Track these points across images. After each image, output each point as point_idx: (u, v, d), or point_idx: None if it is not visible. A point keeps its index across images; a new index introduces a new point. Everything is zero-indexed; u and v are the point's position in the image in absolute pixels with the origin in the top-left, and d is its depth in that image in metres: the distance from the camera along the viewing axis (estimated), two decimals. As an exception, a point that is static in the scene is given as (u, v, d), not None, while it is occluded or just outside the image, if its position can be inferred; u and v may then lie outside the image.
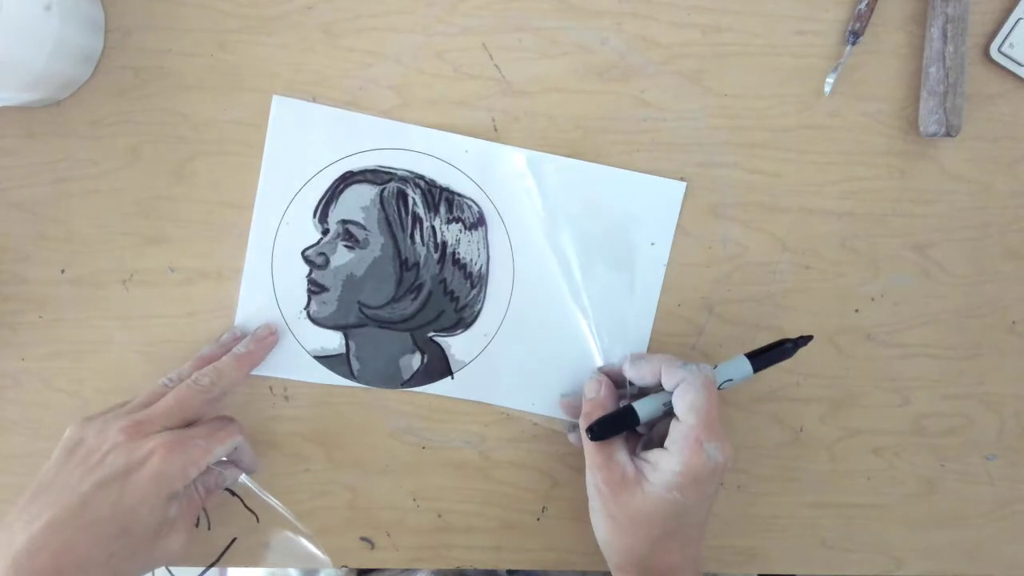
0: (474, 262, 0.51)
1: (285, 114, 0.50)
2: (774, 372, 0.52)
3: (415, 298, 0.51)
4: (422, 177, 0.50)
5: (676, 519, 0.44)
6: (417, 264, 0.51)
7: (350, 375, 0.52)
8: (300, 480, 0.53)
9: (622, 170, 0.50)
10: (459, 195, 0.50)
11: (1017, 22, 0.49)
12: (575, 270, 0.51)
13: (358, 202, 0.50)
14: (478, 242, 0.51)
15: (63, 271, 0.51)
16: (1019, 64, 0.50)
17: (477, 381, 0.52)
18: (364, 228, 0.50)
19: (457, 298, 0.51)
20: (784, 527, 0.54)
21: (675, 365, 0.45)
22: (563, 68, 0.50)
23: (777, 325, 0.52)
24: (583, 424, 0.47)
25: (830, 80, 0.50)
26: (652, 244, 0.51)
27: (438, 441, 0.53)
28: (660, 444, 0.45)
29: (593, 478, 0.46)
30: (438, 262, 0.51)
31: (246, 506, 0.52)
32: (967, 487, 0.54)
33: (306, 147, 0.50)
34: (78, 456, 0.43)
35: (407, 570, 0.60)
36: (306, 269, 0.51)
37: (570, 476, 0.53)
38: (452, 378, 0.52)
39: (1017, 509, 0.54)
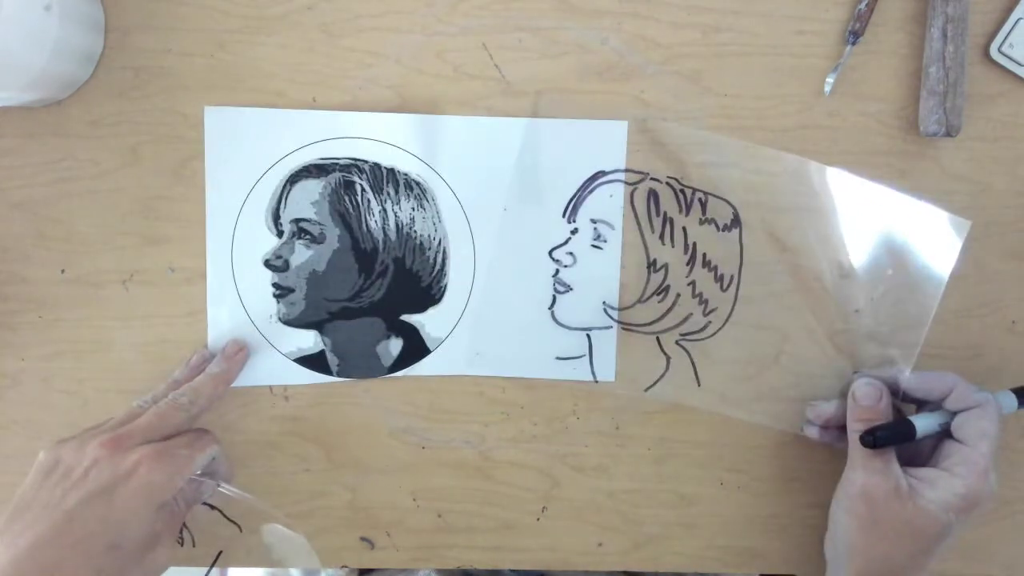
0: (432, 237, 0.51)
1: (219, 124, 0.50)
2: (775, 372, 0.52)
3: (380, 283, 0.51)
4: (365, 162, 0.50)
5: (940, 539, 0.45)
6: (376, 249, 0.51)
7: (331, 371, 0.52)
8: (300, 480, 0.53)
9: (561, 119, 0.50)
10: (405, 173, 0.50)
11: (1017, 22, 0.49)
12: (533, 228, 0.51)
13: (307, 198, 0.50)
14: (432, 217, 0.50)
15: (63, 271, 0.51)
16: (1019, 64, 0.49)
17: (458, 355, 0.52)
18: (318, 223, 0.50)
19: (421, 276, 0.51)
20: (784, 527, 0.54)
21: (970, 388, 0.46)
22: (563, 68, 0.50)
23: (777, 325, 0.52)
24: (857, 428, 0.47)
25: (830, 80, 0.50)
26: (608, 194, 0.51)
27: (438, 441, 0.53)
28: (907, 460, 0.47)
29: (863, 483, 0.46)
30: (396, 244, 0.51)
31: (227, 517, 0.52)
32: (967, 487, 0.54)
33: (246, 153, 0.50)
34: (57, 475, 0.42)
35: (408, 570, 0.60)
36: (268, 274, 0.51)
37: (570, 476, 0.53)
38: (431, 356, 0.52)
39: (1017, 509, 0.54)
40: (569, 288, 0.51)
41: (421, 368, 0.52)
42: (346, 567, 0.57)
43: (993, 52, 0.50)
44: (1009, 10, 0.50)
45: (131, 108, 0.50)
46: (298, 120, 0.50)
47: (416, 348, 0.52)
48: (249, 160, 0.50)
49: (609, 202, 0.50)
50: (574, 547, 0.54)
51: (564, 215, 0.51)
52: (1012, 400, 0.48)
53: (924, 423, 0.46)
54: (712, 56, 0.50)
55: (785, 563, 0.55)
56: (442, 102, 0.50)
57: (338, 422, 0.53)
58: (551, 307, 0.51)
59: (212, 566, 0.52)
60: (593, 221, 0.51)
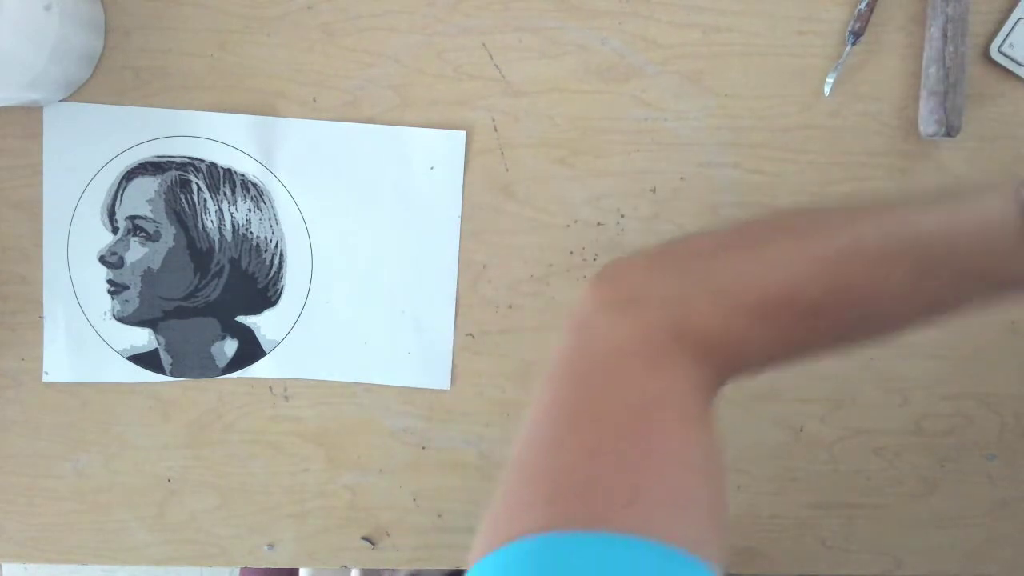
0: (268, 240, 0.51)
1: (59, 120, 0.49)
2: (775, 372, 0.52)
3: (216, 284, 0.51)
4: (202, 161, 0.50)
5: None
6: (212, 249, 0.50)
7: (164, 370, 0.52)
8: (300, 480, 0.53)
9: (398, 127, 0.50)
10: (242, 174, 0.50)
11: (1017, 22, 0.49)
12: (372, 232, 0.51)
13: (142, 195, 0.50)
14: (269, 219, 0.50)
15: (63, 271, 0.51)
16: (1019, 64, 0.49)
17: (295, 358, 0.52)
18: (153, 221, 0.50)
19: (257, 278, 0.51)
20: (784, 527, 0.54)
21: None
22: (563, 68, 0.50)
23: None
24: None
25: (830, 80, 0.50)
26: (441, 195, 0.51)
27: (438, 441, 0.53)
28: None
29: None
30: (232, 244, 0.50)
31: None
32: (967, 487, 0.54)
33: (83, 149, 0.50)
34: None
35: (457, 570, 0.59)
36: (103, 270, 0.50)
37: (570, 476, 0.53)
38: (267, 358, 0.52)
39: (1017, 509, 0.54)
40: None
41: (256, 370, 0.52)
42: (346, 567, 0.57)
43: (993, 52, 0.50)
44: (1009, 10, 0.50)
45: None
46: (137, 117, 0.49)
47: (251, 350, 0.52)
48: (87, 156, 0.50)
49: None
50: (574, 547, 0.54)
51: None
52: None
53: None
54: (712, 56, 0.50)
55: (785, 563, 0.54)
56: (442, 102, 0.50)
57: (338, 422, 0.53)
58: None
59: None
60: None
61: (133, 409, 0.52)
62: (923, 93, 0.49)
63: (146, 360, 0.51)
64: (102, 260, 0.50)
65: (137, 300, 0.51)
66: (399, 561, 0.54)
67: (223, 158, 0.50)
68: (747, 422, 0.53)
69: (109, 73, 0.50)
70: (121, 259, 0.50)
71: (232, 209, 0.50)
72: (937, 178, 0.51)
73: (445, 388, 0.52)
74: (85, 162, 0.50)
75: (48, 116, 0.49)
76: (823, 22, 0.50)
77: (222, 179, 0.50)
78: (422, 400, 0.53)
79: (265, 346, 0.52)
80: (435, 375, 0.52)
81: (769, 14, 0.50)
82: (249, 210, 0.50)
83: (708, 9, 0.50)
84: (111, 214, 0.50)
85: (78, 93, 0.50)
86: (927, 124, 0.49)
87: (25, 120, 0.50)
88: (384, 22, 0.50)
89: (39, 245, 0.51)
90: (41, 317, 0.51)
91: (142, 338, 0.51)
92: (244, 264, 0.51)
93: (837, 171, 0.51)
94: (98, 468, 0.53)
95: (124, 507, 0.53)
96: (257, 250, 0.51)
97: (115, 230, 0.50)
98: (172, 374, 0.52)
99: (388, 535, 0.54)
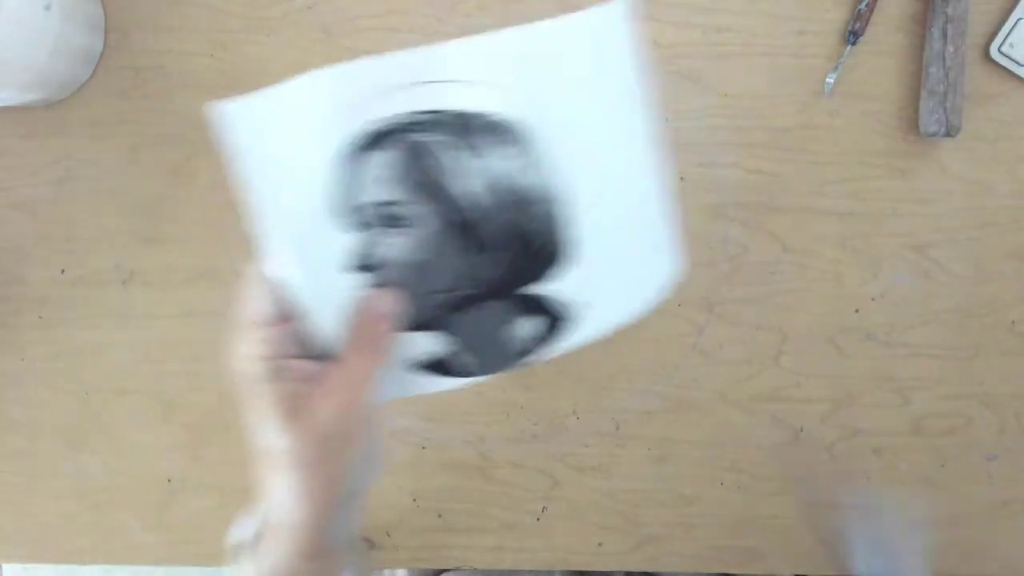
0: (536, 187, 0.39)
1: (240, 121, 0.37)
2: (775, 372, 0.52)
3: (495, 258, 0.40)
4: (439, 112, 0.37)
5: None
6: (479, 219, 0.39)
7: (468, 372, 0.42)
8: (300, 480, 0.53)
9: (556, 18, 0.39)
10: (486, 116, 0.37)
11: (1017, 22, 0.49)
12: (612, 142, 0.40)
13: (381, 176, 0.37)
14: (535, 162, 0.39)
15: (63, 271, 0.51)
16: (1019, 64, 0.49)
17: (597, 314, 0.42)
18: (403, 204, 0.38)
19: (534, 237, 0.40)
20: (784, 527, 0.54)
21: None
22: (563, 68, 0.50)
23: (777, 325, 0.52)
24: None
25: (830, 80, 0.50)
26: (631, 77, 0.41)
27: (438, 441, 0.53)
28: None
29: None
30: (500, 205, 0.39)
31: None
32: (967, 487, 0.54)
33: (285, 146, 0.37)
34: None
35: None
36: (354, 281, 0.38)
37: (570, 476, 0.53)
38: (569, 325, 0.42)
39: (1017, 509, 0.54)
40: None
41: (561, 343, 0.42)
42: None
43: (993, 52, 0.50)
44: (1009, 10, 0.50)
45: (131, 108, 0.50)
46: (335, 82, 0.37)
47: (551, 322, 0.41)
48: (293, 152, 0.37)
49: None
50: (574, 547, 0.54)
51: None
52: None
53: None
54: (712, 56, 0.50)
55: (785, 563, 0.54)
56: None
57: (338, 422, 0.53)
58: None
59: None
60: None
61: (133, 409, 0.52)
62: (923, 93, 0.49)
63: (446, 366, 0.41)
64: (365, 267, 0.38)
65: (409, 302, 0.39)
66: (399, 561, 0.54)
67: (452, 101, 0.37)
68: (747, 422, 0.53)
69: (109, 73, 0.50)
70: (378, 259, 0.38)
71: (490, 163, 0.38)
72: (937, 178, 0.51)
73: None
74: (298, 160, 0.37)
75: (220, 117, 0.36)
76: (823, 22, 0.50)
77: (468, 129, 0.38)
78: (422, 400, 0.53)
79: (564, 313, 0.41)
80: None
81: (769, 14, 0.50)
82: (508, 158, 0.38)
83: (708, 9, 0.50)
84: (349, 209, 0.37)
85: (78, 93, 0.50)
86: (927, 124, 0.49)
87: (25, 120, 0.50)
88: (384, 22, 0.50)
89: (38, 245, 0.51)
90: (41, 317, 0.51)
91: (430, 343, 0.41)
92: (520, 224, 0.39)
93: (837, 171, 0.51)
94: (98, 468, 0.53)
95: (124, 507, 0.53)
96: (528, 203, 0.39)
97: (359, 227, 0.38)
98: (480, 372, 0.41)
99: (388, 535, 0.54)
